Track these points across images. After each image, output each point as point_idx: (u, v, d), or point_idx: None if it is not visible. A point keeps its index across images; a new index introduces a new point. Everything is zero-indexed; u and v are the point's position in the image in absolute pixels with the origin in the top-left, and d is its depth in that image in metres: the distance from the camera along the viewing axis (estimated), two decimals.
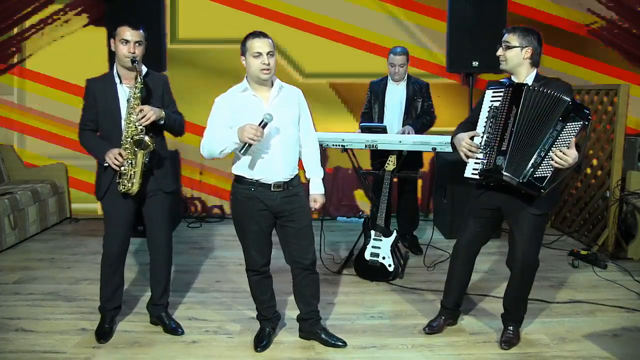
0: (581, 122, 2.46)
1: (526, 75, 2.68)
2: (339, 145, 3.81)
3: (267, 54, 2.53)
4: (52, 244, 4.64)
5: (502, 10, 4.38)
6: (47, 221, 5.05)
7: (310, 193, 2.86)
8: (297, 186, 2.73)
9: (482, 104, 2.74)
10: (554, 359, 2.75)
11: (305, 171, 2.87)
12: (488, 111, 2.67)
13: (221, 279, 3.85)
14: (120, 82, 2.77)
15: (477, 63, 4.50)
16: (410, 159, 3.93)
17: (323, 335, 2.89)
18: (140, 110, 2.64)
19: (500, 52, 2.70)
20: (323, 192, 2.87)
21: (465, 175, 2.73)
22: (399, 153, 3.81)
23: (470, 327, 3.09)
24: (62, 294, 3.55)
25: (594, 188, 4.54)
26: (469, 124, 2.83)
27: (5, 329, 3.04)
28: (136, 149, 2.68)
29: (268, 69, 2.54)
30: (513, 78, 2.73)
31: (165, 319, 3.04)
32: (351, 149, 3.90)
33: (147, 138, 2.67)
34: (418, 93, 4.16)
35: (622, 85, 4.18)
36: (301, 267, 2.78)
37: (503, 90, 2.64)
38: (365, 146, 3.79)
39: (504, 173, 2.55)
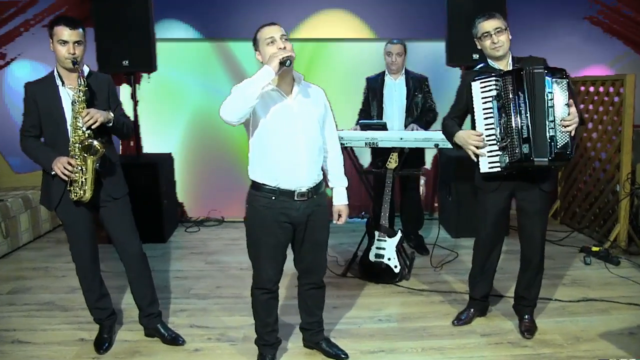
0: (565, 80, 2.54)
1: (509, 57, 2.72)
2: None
3: (281, 37, 2.33)
4: (45, 252, 4.54)
5: (501, 2, 4.30)
6: (39, 229, 4.94)
7: (334, 204, 2.66)
8: (321, 195, 2.52)
9: (470, 96, 2.71)
10: None
11: (328, 179, 2.67)
12: (486, 102, 2.65)
13: (222, 285, 3.76)
14: (63, 84, 2.59)
15: (477, 56, 4.42)
16: (412, 157, 3.84)
17: (324, 346, 2.79)
18: (87, 114, 2.48)
19: (495, 39, 2.66)
20: (347, 203, 2.68)
21: (482, 170, 2.71)
22: (400, 150, 3.72)
23: (481, 329, 3.02)
24: (58, 303, 3.47)
25: (603, 182, 4.45)
26: (460, 112, 2.85)
27: (1, 341, 2.96)
28: (85, 155, 2.53)
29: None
30: (492, 63, 2.73)
31: (162, 330, 2.95)
32: (351, 147, 3.82)
33: (96, 143, 2.51)
34: (418, 88, 4.07)
35: (629, 75, 4.09)
36: (310, 280, 2.66)
37: (494, 79, 2.62)
38: (366, 144, 3.70)
39: (535, 159, 2.54)
